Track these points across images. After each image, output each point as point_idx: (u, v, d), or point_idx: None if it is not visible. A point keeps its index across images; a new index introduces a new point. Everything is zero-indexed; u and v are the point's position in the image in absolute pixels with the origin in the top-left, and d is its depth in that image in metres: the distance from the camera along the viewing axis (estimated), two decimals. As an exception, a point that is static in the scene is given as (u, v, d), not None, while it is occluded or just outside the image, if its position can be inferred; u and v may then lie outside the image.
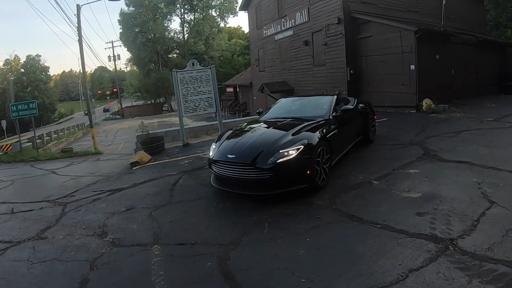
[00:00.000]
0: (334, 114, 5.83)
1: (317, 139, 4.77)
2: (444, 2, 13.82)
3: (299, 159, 4.42)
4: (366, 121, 7.20)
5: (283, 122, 5.78)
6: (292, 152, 4.42)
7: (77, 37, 14.61)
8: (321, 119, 5.54)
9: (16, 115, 13.78)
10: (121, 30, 44.09)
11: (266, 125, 5.75)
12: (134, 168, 8.18)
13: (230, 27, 56.91)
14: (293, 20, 16.55)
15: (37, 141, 18.90)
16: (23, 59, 59.60)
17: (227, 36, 53.73)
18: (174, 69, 9.62)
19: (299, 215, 4.09)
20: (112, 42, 47.24)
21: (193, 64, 9.55)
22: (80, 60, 16.45)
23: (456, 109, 11.23)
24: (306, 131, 4.95)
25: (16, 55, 79.39)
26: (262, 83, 20.13)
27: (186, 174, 6.63)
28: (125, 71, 65.97)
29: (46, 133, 22.23)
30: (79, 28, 15.00)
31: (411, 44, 11.14)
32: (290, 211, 4.23)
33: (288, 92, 18.10)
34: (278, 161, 4.35)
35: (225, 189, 4.85)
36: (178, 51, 49.17)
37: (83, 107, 50.34)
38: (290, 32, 17.10)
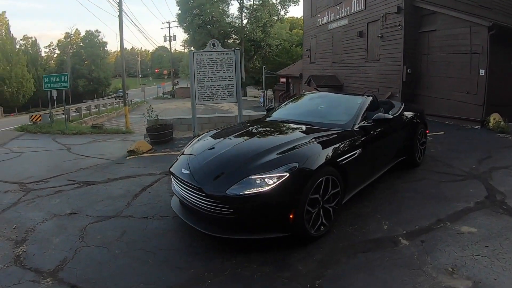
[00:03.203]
0: (362, 124, 4.02)
1: (319, 164, 3.07)
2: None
3: (278, 193, 2.82)
4: (414, 137, 5.24)
5: (284, 127, 4.20)
6: (269, 182, 2.82)
7: (117, 12, 13.97)
8: (340, 130, 3.81)
9: (48, 87, 13.81)
10: (179, 12, 44.12)
11: (259, 129, 4.21)
12: (128, 157, 7.27)
13: (292, 17, 55.12)
14: (348, 8, 14.51)
15: (75, 114, 19.06)
16: (83, 33, 61.89)
17: (288, 26, 51.93)
18: (190, 50, 8.41)
19: (257, 286, 2.58)
20: (168, 22, 47.36)
21: (213, 44, 8.22)
22: (118, 36, 15.92)
23: (530, 132, 8.67)
24: (303, 147, 3.26)
25: (76, 29, 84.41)
26: (309, 75, 18.40)
27: (167, 176, 5.44)
28: (184, 52, 67.06)
29: (85, 107, 22.25)
30: (120, 3, 14.37)
31: (483, 43, 8.72)
32: (248, 273, 2.70)
33: (337, 87, 16.20)
34: (245, 193, 2.80)
35: (179, 215, 3.44)
36: (235, 36, 48.45)
37: (139, 84, 51.78)
38: (344, 21, 15.08)
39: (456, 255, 2.90)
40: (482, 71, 8.63)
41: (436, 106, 9.90)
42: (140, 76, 75.97)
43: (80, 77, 55.32)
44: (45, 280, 2.74)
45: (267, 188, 2.79)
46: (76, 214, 4.10)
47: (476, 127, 8.84)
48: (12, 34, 44.12)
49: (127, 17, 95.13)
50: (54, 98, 15.38)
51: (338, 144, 3.45)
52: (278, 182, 2.82)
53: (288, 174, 2.86)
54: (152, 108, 8.93)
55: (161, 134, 8.32)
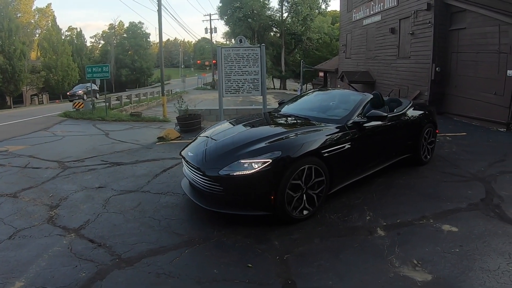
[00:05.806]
0: (356, 120, 4.26)
1: (301, 153, 3.43)
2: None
3: (261, 176, 3.25)
4: (419, 134, 5.36)
5: (283, 120, 4.64)
6: (255, 166, 3.26)
7: (157, 7, 14.78)
8: (332, 124, 4.10)
9: (90, 76, 14.75)
10: (220, 4, 44.84)
11: (261, 121, 4.70)
12: (157, 143, 7.97)
13: (335, 11, 53.85)
14: (382, 4, 14.32)
15: (115, 102, 20.17)
16: (127, 25, 63.73)
17: (330, 19, 51.00)
18: (219, 46, 8.93)
19: (228, 253, 3.00)
20: (210, 15, 47.99)
21: (240, 40, 8.67)
22: (158, 30, 16.72)
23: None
24: (290, 138, 3.65)
25: (120, 20, 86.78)
26: (342, 70, 18.37)
27: (186, 160, 6.03)
28: (227, 44, 68.02)
29: (126, 96, 23.25)
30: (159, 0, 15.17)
31: (511, 43, 8.33)
32: (230, 242, 3.16)
33: (370, 84, 16.09)
34: (233, 174, 3.28)
35: (184, 191, 3.99)
36: (276, 30, 48.44)
37: (181, 74, 53.19)
38: (378, 17, 14.91)
39: (427, 250, 2.97)
40: (510, 72, 8.30)
41: (464, 107, 9.69)
42: (183, 66, 78.06)
43: (123, 67, 57.40)
44: (70, 234, 3.39)
45: (252, 171, 3.25)
46: (103, 188, 4.78)
47: (502, 129, 8.55)
48: (58, 25, 46.37)
49: (166, 11, 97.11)
50: (97, 87, 16.43)
51: (324, 137, 3.76)
52: (262, 166, 3.25)
53: (271, 160, 3.28)
54: (182, 99, 9.58)
55: (189, 123, 8.97)
